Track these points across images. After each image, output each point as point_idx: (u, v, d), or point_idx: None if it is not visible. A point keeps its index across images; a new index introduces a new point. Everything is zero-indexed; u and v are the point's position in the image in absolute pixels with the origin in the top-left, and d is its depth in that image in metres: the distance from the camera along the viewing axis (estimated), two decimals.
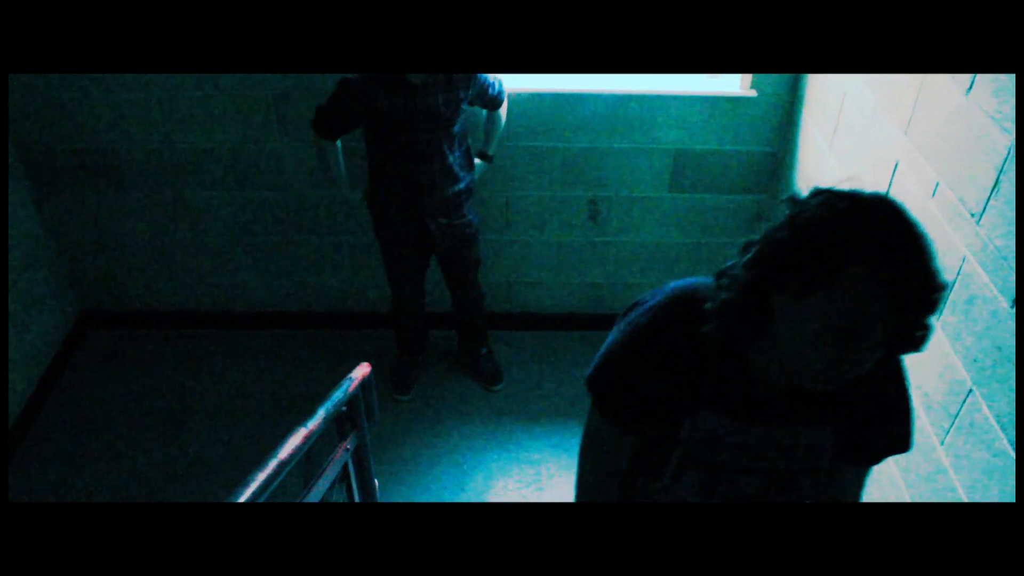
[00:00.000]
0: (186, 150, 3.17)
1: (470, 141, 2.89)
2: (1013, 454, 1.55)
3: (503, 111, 2.87)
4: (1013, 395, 1.55)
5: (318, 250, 3.46)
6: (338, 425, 2.25)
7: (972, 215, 1.70)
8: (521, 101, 3.01)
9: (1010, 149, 1.57)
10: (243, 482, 1.61)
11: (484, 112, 2.91)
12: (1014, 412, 1.55)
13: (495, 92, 2.77)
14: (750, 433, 1.25)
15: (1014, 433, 1.55)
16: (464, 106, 2.67)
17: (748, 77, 3.00)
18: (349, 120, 2.70)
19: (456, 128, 2.70)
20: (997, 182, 1.61)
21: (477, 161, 2.95)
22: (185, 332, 3.65)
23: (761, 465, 1.28)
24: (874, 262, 0.97)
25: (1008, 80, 1.57)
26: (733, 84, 3.07)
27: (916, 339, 1.05)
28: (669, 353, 1.21)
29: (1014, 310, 1.55)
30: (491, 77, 2.73)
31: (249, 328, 3.66)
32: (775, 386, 1.19)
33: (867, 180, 2.25)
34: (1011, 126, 1.57)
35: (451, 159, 2.73)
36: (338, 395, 2.08)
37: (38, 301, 3.30)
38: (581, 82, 3.02)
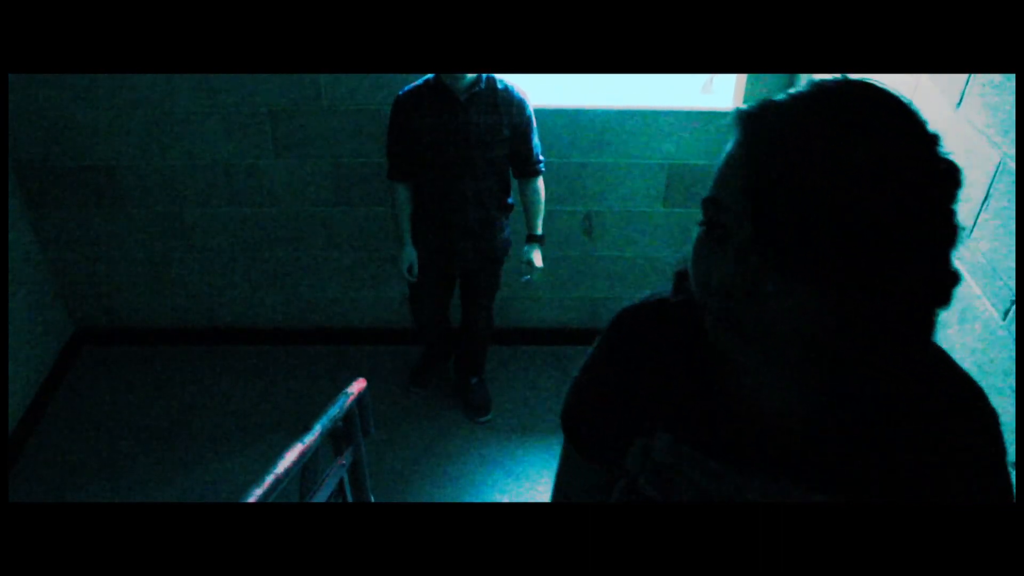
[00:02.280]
0: (181, 166, 3.18)
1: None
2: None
3: (540, 186, 2.81)
4: (1007, 407, 1.56)
5: (314, 266, 3.46)
6: (334, 441, 2.25)
7: (963, 228, 1.72)
8: None
9: (1000, 163, 1.59)
10: (240, 498, 1.60)
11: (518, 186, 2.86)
12: (1009, 423, 1.56)
13: (533, 152, 2.73)
14: (717, 475, 0.87)
15: (1009, 444, 1.56)
16: (506, 133, 2.63)
17: (741, 92, 3.02)
18: (405, 143, 2.67)
19: (495, 156, 2.66)
20: (987, 195, 1.63)
21: (527, 246, 2.90)
22: (181, 348, 3.64)
23: None
24: (753, 116, 0.71)
25: (997, 95, 1.60)
26: (726, 99, 3.09)
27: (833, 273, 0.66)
28: (626, 362, 0.94)
29: (1006, 321, 1.56)
30: (536, 138, 2.72)
31: (245, 343, 3.65)
32: (767, 411, 0.83)
33: None
34: (1000, 140, 1.59)
35: (483, 184, 2.70)
36: (334, 410, 2.08)
37: (32, 317, 3.29)
38: (575, 98, 3.05)
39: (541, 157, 2.77)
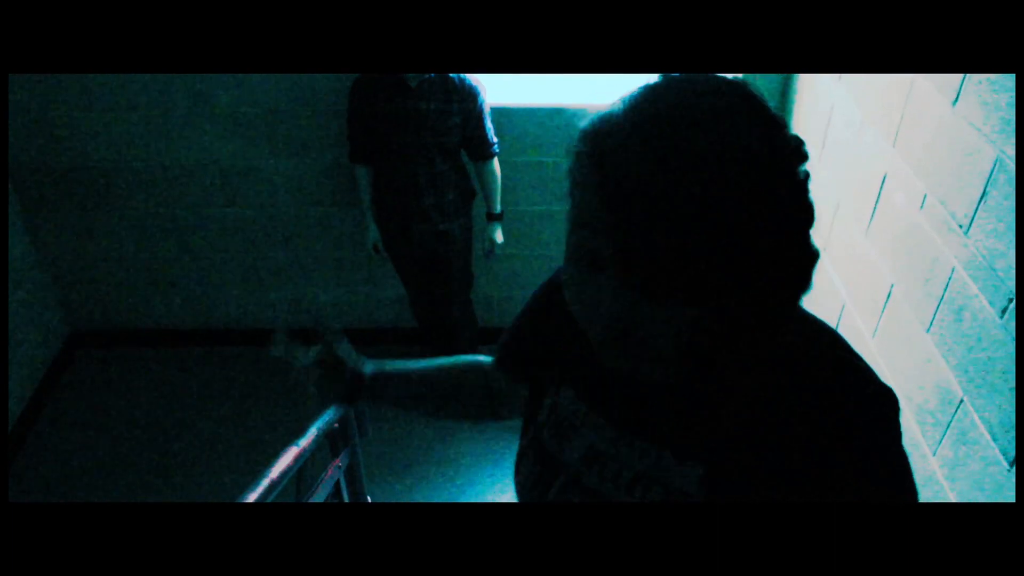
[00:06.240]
0: (176, 168, 3.17)
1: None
2: (1005, 464, 1.55)
3: (495, 167, 2.92)
4: (1004, 405, 1.56)
5: (311, 267, 3.46)
6: (330, 443, 2.24)
7: (960, 226, 1.71)
8: (514, 116, 3.02)
9: (997, 160, 1.58)
10: (235, 501, 1.59)
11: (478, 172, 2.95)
12: (1005, 421, 1.55)
13: (486, 137, 2.81)
14: (605, 434, 0.92)
15: (1006, 441, 1.55)
16: (456, 120, 2.70)
17: None
18: (361, 126, 2.78)
19: (447, 141, 2.74)
20: (984, 193, 1.62)
21: (489, 224, 3.04)
22: (177, 350, 3.63)
23: (606, 487, 0.91)
24: (593, 132, 0.72)
25: (995, 93, 1.59)
26: None
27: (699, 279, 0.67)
28: (547, 317, 1.02)
29: (1003, 319, 1.56)
30: (489, 124, 2.80)
31: (239, 345, 3.64)
32: (645, 383, 0.86)
33: (856, 193, 2.26)
34: (997, 137, 1.58)
35: (437, 168, 2.78)
36: (330, 413, 2.07)
37: (27, 320, 3.28)
38: (573, 97, 3.04)
39: (495, 140, 2.86)
